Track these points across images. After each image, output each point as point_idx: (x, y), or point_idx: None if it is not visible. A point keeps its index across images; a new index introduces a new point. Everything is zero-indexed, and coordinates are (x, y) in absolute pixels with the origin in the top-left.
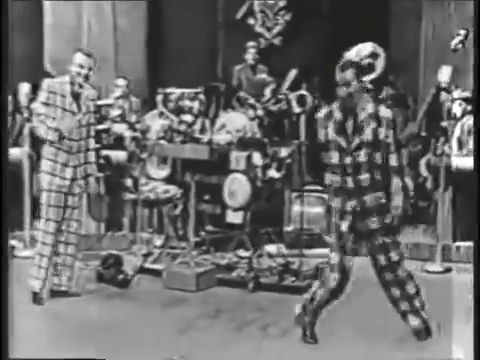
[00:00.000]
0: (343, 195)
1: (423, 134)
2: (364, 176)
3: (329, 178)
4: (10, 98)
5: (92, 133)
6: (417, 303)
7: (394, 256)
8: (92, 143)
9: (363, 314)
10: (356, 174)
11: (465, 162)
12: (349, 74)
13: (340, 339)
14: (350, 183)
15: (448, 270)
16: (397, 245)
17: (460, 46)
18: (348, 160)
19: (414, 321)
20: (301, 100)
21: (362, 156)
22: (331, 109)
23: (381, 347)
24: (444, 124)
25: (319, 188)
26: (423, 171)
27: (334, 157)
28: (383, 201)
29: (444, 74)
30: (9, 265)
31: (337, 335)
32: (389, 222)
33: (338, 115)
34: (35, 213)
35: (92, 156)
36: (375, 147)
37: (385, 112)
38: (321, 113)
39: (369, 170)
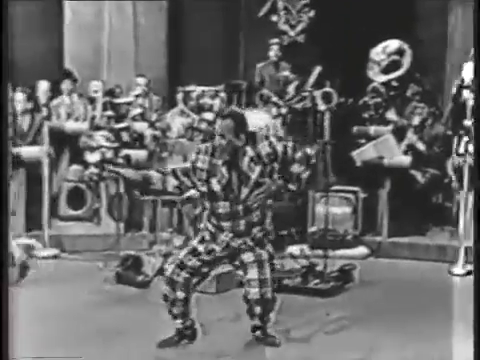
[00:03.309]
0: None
1: (449, 133)
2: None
3: None
4: (24, 96)
5: None
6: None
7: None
8: None
9: (363, 316)
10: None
11: None
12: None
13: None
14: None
15: (470, 273)
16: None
17: None
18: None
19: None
20: (326, 97)
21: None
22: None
23: (381, 348)
24: (467, 123)
25: (344, 188)
26: (450, 171)
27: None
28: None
29: (468, 71)
30: (9, 265)
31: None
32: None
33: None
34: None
35: None
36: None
37: (264, 149)
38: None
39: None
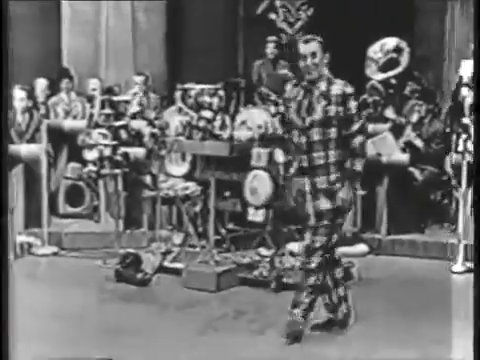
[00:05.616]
0: (299, 174)
1: (448, 131)
2: (317, 154)
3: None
4: (25, 94)
5: None
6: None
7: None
8: None
9: (363, 314)
10: (310, 153)
11: None
12: (314, 46)
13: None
14: (304, 162)
15: (470, 270)
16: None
17: None
18: (303, 139)
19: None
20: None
21: (315, 135)
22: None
23: (381, 347)
24: (466, 120)
25: None
26: (448, 169)
27: (293, 135)
28: (336, 185)
29: (466, 69)
30: (10, 265)
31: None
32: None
33: (300, 92)
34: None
35: None
36: (327, 126)
37: (336, 89)
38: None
39: (323, 150)
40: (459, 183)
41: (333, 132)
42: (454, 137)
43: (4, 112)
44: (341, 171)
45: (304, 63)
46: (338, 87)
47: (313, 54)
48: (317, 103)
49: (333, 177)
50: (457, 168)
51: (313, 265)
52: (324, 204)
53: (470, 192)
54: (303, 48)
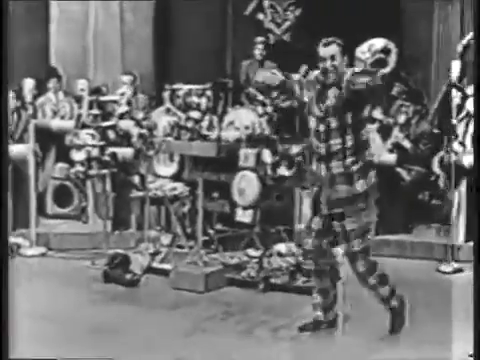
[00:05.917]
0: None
1: (435, 131)
2: (334, 141)
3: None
4: (13, 94)
5: None
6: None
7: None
8: None
9: (361, 313)
10: (328, 140)
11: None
12: (334, 49)
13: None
14: (322, 150)
15: (458, 271)
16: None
17: (471, 42)
18: (322, 127)
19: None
20: None
21: (333, 122)
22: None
23: (380, 346)
24: (454, 121)
25: None
26: (436, 169)
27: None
28: (353, 168)
29: (454, 70)
30: (9, 265)
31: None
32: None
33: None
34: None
35: None
36: (343, 111)
37: (348, 74)
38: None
39: (340, 136)
40: (447, 184)
41: (349, 117)
42: (445, 137)
43: (4, 112)
44: (357, 155)
45: (323, 65)
46: (350, 72)
47: (332, 57)
48: (332, 92)
49: (349, 161)
50: (447, 169)
51: (362, 269)
52: (341, 192)
53: (457, 192)
54: (323, 51)
